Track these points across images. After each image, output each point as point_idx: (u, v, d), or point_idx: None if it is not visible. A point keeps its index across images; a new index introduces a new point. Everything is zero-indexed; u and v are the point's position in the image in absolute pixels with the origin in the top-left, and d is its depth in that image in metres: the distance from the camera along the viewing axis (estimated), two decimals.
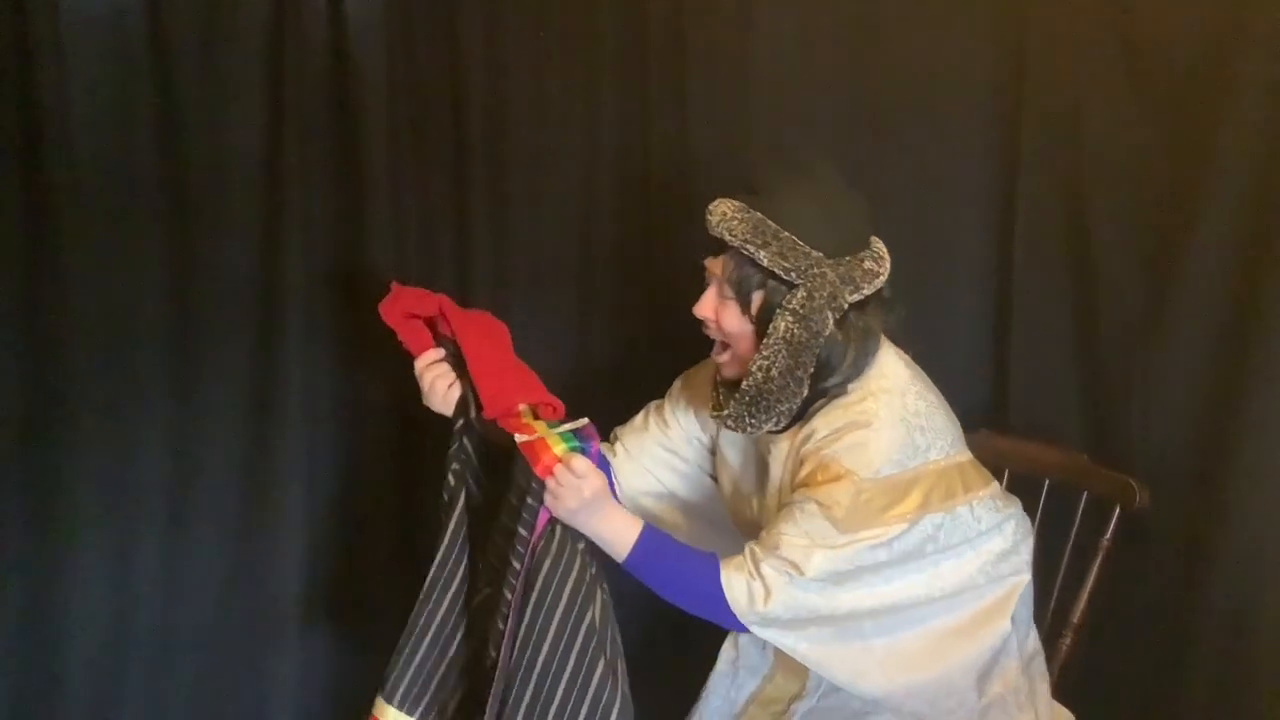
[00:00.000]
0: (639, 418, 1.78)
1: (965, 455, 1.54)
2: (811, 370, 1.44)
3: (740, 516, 1.68)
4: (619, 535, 1.47)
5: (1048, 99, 1.89)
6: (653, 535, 1.49)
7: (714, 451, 1.72)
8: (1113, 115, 1.84)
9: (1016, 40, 1.90)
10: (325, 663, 2.16)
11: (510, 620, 1.45)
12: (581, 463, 1.43)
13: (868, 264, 1.47)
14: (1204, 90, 1.74)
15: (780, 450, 1.54)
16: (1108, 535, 1.73)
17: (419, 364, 1.60)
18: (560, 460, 1.43)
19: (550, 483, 1.43)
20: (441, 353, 1.61)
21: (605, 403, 2.11)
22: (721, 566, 1.44)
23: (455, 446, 1.55)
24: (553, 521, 1.46)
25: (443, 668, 1.52)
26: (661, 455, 1.74)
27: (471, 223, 2.14)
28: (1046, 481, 1.78)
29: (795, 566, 1.40)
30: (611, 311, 2.17)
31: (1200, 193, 1.74)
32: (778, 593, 1.40)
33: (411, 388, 2.10)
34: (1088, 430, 1.90)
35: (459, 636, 1.53)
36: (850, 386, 1.48)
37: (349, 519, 2.14)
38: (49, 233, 1.99)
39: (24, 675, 2.05)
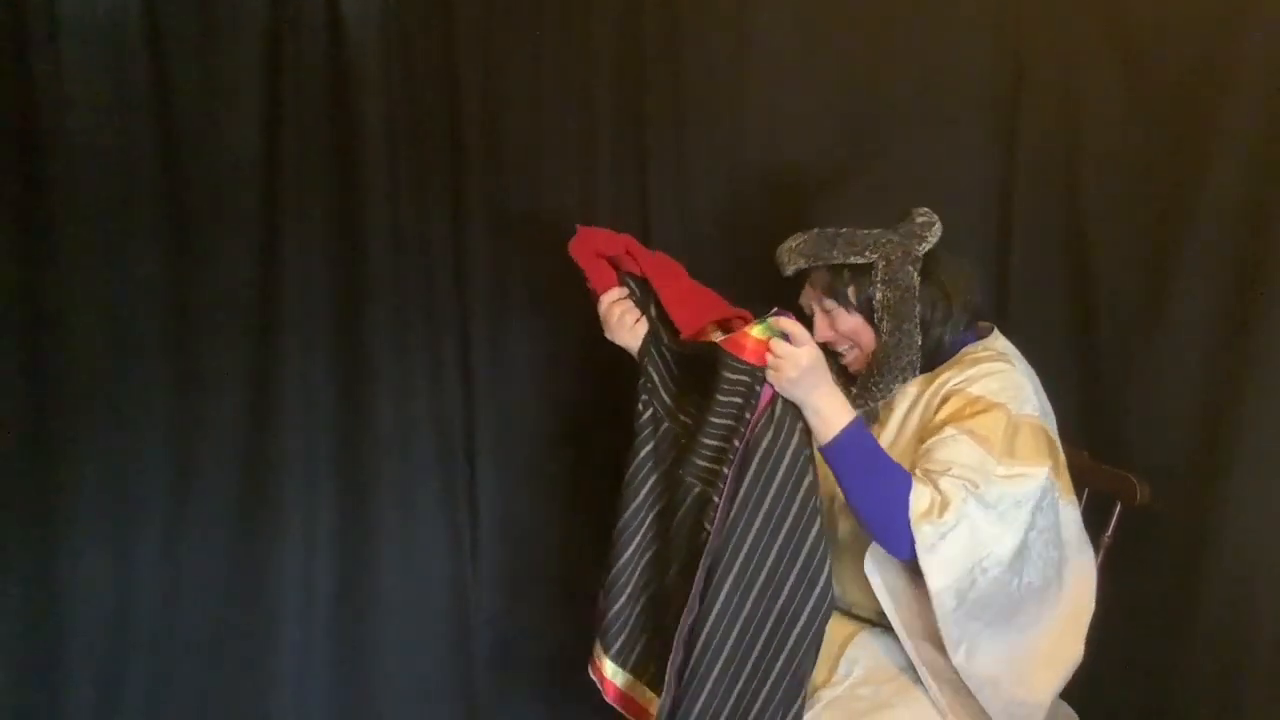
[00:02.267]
0: None
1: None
2: (917, 321, 1.57)
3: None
4: (836, 412, 1.47)
5: (1044, 99, 1.90)
6: (862, 425, 1.51)
7: None
8: (1109, 113, 1.84)
9: (1013, 39, 1.91)
10: (325, 663, 2.15)
11: (726, 491, 1.48)
12: (795, 328, 1.45)
13: (920, 219, 1.60)
14: (1200, 86, 1.74)
15: (906, 396, 1.62)
16: (1109, 532, 1.73)
17: (605, 300, 1.66)
18: (767, 340, 1.46)
19: (770, 358, 1.45)
20: (626, 290, 1.67)
21: (604, 406, 2.14)
22: (915, 481, 1.46)
23: (643, 379, 1.64)
24: (774, 400, 1.47)
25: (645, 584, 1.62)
26: None
27: (468, 222, 2.13)
28: None
29: (972, 483, 1.45)
30: None
31: (1197, 189, 1.74)
32: (955, 503, 1.43)
33: (409, 385, 2.13)
34: (1088, 427, 1.90)
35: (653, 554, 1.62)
36: (979, 344, 1.61)
37: (348, 518, 2.14)
38: (47, 232, 1.99)
39: (24, 676, 2.05)
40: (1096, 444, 1.83)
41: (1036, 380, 1.62)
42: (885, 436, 1.62)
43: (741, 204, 2.10)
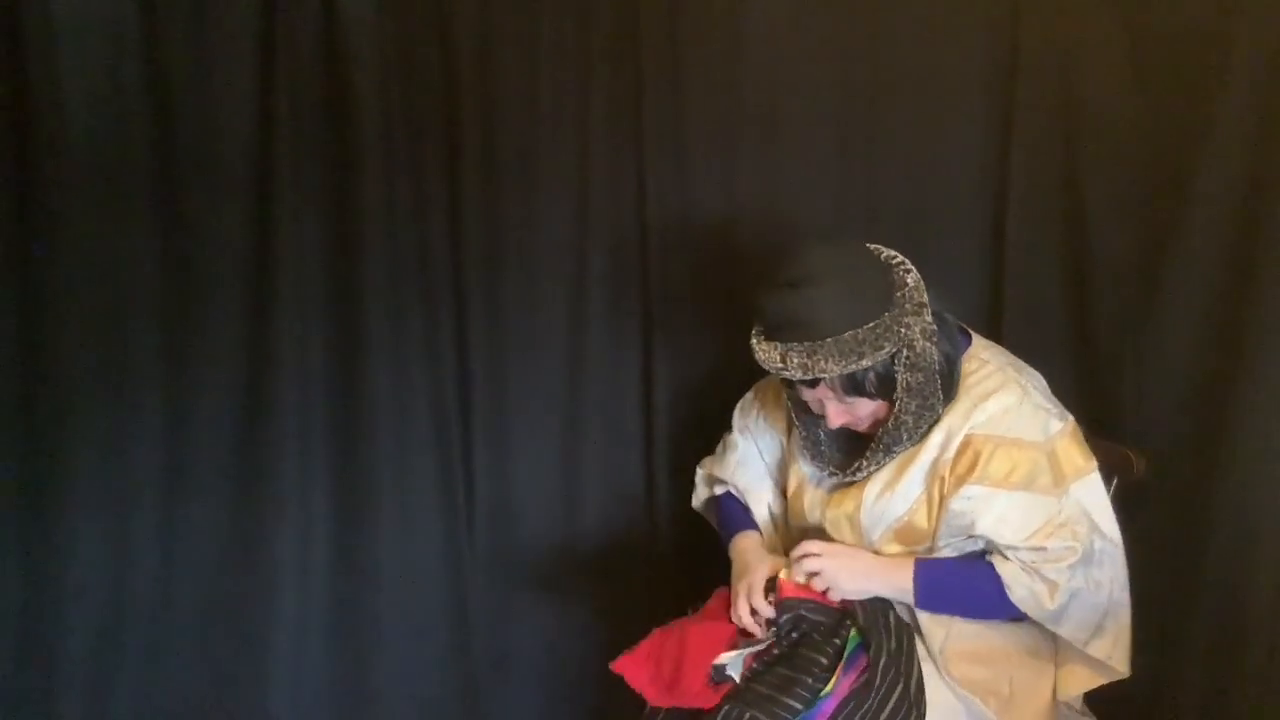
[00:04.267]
0: (730, 453, 1.83)
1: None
2: (940, 393, 1.52)
3: (798, 517, 1.72)
4: (899, 577, 1.54)
5: (1041, 69, 1.89)
6: (923, 564, 1.54)
7: (783, 460, 1.79)
8: (1108, 85, 1.83)
9: (1010, 7, 1.89)
10: (321, 636, 2.16)
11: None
12: (814, 563, 1.54)
13: (909, 280, 1.52)
14: (1200, 58, 1.73)
15: None
16: None
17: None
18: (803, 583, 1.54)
19: (818, 587, 1.54)
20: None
21: (598, 389, 2.14)
22: (999, 572, 1.50)
23: None
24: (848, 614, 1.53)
25: None
26: (761, 465, 1.81)
27: (463, 194, 2.12)
28: None
29: (1069, 549, 1.48)
30: (608, 288, 2.16)
31: (1195, 163, 1.73)
32: (1061, 584, 1.48)
33: (405, 359, 2.12)
34: (1084, 401, 1.89)
35: None
36: (970, 357, 1.58)
37: (344, 493, 2.14)
38: (40, 207, 1.99)
39: (22, 650, 2.06)
40: (1093, 417, 1.82)
41: (1025, 370, 1.61)
42: (885, 470, 1.59)
43: (740, 172, 2.09)
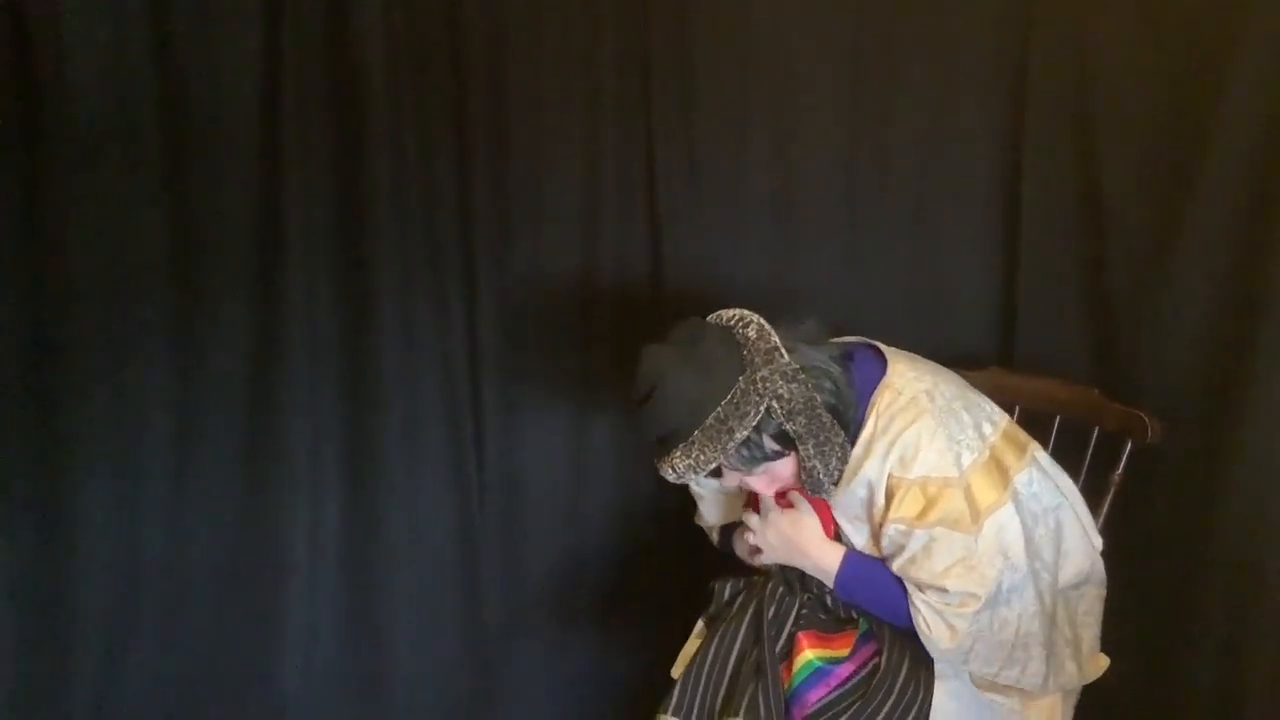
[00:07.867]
0: (699, 504, 1.86)
1: (1005, 420, 1.61)
2: (834, 424, 1.49)
3: None
4: (827, 561, 1.59)
5: (1055, 33, 1.87)
6: (853, 559, 1.58)
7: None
8: (1122, 50, 1.81)
9: None
10: (332, 604, 2.16)
11: None
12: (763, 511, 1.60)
13: (750, 333, 1.49)
14: (1215, 23, 1.71)
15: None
16: (1119, 469, 1.72)
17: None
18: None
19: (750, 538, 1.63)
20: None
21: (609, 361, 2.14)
22: (910, 608, 1.52)
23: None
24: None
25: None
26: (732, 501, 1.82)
27: (472, 155, 2.11)
28: (1058, 417, 1.78)
29: (972, 596, 1.48)
30: (619, 263, 2.16)
31: (1211, 131, 1.71)
32: (962, 630, 1.49)
33: (414, 329, 2.12)
34: (1098, 364, 1.89)
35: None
36: (884, 387, 1.54)
37: (354, 461, 2.14)
38: (50, 184, 1.98)
39: (36, 623, 2.05)
40: (1107, 381, 1.82)
41: (941, 390, 1.56)
42: (861, 533, 1.59)
43: (749, 154, 2.08)
